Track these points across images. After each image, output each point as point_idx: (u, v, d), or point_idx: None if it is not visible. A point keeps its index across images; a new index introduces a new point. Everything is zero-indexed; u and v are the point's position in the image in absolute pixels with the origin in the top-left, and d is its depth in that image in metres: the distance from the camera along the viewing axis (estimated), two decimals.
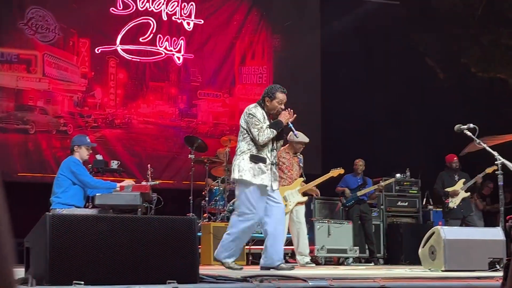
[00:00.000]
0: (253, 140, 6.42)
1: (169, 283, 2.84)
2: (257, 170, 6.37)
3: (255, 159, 6.40)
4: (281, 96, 6.60)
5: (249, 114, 6.48)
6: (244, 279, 3.12)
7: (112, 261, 2.83)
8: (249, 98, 14.54)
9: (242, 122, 6.57)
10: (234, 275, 3.17)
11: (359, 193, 11.03)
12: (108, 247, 2.84)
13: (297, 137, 6.97)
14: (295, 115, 6.63)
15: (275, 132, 6.44)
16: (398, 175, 11.55)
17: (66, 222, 2.74)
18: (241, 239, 6.68)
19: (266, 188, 6.42)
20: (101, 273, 2.80)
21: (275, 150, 6.61)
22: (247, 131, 6.46)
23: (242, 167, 6.37)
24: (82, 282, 2.72)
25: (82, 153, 7.87)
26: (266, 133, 6.37)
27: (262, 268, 6.45)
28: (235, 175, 6.44)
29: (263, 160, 6.43)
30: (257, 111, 6.51)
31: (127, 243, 2.87)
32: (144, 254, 2.88)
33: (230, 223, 6.75)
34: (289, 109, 6.62)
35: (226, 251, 6.61)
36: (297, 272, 5.71)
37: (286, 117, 6.54)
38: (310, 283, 3.06)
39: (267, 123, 6.50)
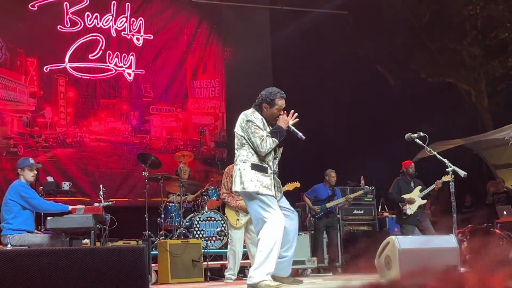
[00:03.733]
0: (253, 148, 5.94)
1: None
2: (260, 178, 5.88)
3: (256, 168, 5.92)
4: (280, 102, 6.06)
5: (248, 121, 5.96)
6: None
7: None
8: (203, 112, 14.51)
9: (238, 130, 6.04)
10: None
11: (328, 205, 11.06)
12: (54, 282, 2.76)
13: (303, 139, 6.14)
14: (296, 115, 6.17)
15: (277, 141, 5.94)
16: (367, 187, 11.70)
17: (6, 257, 2.65)
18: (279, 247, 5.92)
19: (272, 197, 5.93)
20: None
21: (277, 159, 6.12)
22: (245, 138, 5.96)
23: (244, 178, 5.90)
24: None
25: (26, 176, 7.70)
26: (268, 143, 5.88)
27: (276, 278, 5.93)
28: (237, 187, 5.96)
29: (264, 170, 5.94)
30: (256, 118, 5.99)
31: (74, 276, 2.79)
32: (92, 286, 2.80)
33: (261, 240, 5.89)
34: (292, 111, 6.16)
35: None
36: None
37: (285, 122, 6.04)
38: None
39: (267, 129, 6.03)
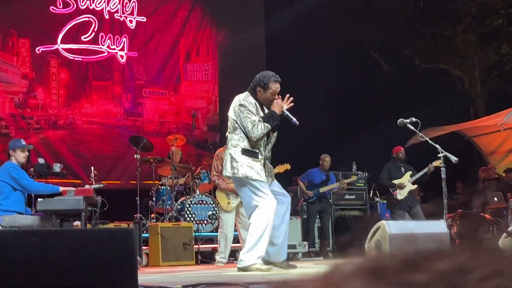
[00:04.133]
0: (244, 133, 5.86)
1: None
2: (250, 163, 5.83)
3: (246, 153, 5.86)
4: (275, 86, 5.98)
5: (240, 105, 5.89)
6: None
7: (47, 277, 2.74)
8: (195, 95, 14.47)
9: (231, 113, 5.98)
10: (175, 285, 3.11)
11: (321, 190, 11.08)
12: (42, 263, 2.74)
13: (297, 124, 6.07)
14: (291, 100, 6.14)
15: (269, 127, 5.86)
16: (360, 172, 11.72)
17: None
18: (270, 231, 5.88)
19: (263, 182, 5.89)
20: None
21: (270, 144, 6.07)
22: (237, 122, 5.90)
23: (235, 163, 5.84)
24: None
25: (17, 157, 7.67)
26: (260, 128, 5.80)
27: (269, 263, 5.90)
28: (227, 172, 5.91)
29: (255, 155, 5.88)
30: (249, 103, 5.91)
31: (62, 258, 2.78)
32: (80, 268, 2.79)
33: (252, 224, 5.87)
34: (287, 95, 6.13)
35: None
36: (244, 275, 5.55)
37: (279, 106, 5.95)
38: None
39: (261, 114, 5.95)
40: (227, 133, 6.12)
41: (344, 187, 11.42)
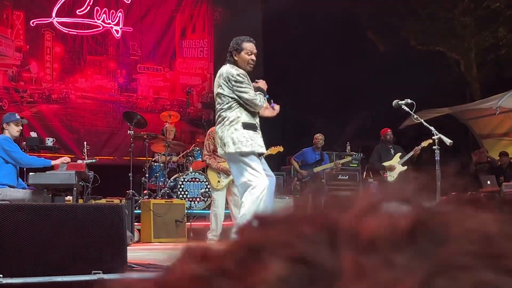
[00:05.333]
0: (242, 106, 5.74)
1: (94, 273, 2.74)
2: (253, 137, 5.74)
3: (248, 127, 5.74)
4: (249, 45, 5.87)
5: (235, 79, 5.75)
6: None
7: (34, 252, 2.71)
8: (190, 72, 14.39)
9: (224, 89, 5.80)
10: (165, 263, 3.09)
11: (315, 170, 11.06)
12: (29, 237, 2.72)
13: (274, 109, 6.05)
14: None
15: (265, 100, 5.83)
16: (354, 153, 11.70)
17: None
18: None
19: (261, 156, 5.88)
20: (22, 264, 2.68)
21: (258, 114, 5.96)
22: (233, 98, 5.76)
23: (237, 139, 5.70)
24: (1, 275, 2.60)
25: (11, 130, 7.64)
26: (261, 99, 5.75)
27: None
28: (230, 148, 5.73)
29: (254, 127, 5.79)
30: (241, 73, 5.78)
31: (49, 233, 2.75)
32: (67, 244, 2.77)
33: (245, 203, 5.80)
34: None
35: None
36: None
37: (264, 84, 5.96)
38: None
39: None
40: (218, 112, 5.94)
41: (339, 167, 11.41)
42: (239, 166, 5.83)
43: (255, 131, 5.83)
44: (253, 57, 5.91)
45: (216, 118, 6.02)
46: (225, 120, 5.85)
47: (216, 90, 5.90)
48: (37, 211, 2.72)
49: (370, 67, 15.03)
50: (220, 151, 5.97)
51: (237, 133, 5.75)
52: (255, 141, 5.77)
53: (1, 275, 2.60)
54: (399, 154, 10.79)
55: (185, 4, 14.55)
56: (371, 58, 15.37)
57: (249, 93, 5.75)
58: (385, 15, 15.78)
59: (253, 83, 5.97)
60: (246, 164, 5.79)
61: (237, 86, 5.79)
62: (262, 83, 5.98)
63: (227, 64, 5.94)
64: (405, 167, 10.82)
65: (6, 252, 2.67)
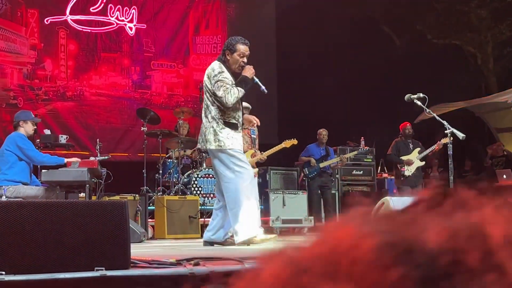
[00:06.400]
0: (220, 103, 5.78)
1: (97, 270, 2.73)
2: (235, 136, 5.81)
3: (228, 126, 5.81)
4: (242, 48, 5.93)
5: (214, 73, 5.80)
6: (178, 263, 3.03)
7: (36, 249, 2.71)
8: (204, 68, 14.17)
9: (207, 83, 5.86)
10: (169, 259, 3.08)
11: (321, 165, 11.02)
12: (32, 235, 2.72)
13: (265, 92, 6.03)
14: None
15: (243, 91, 5.80)
16: (366, 148, 11.65)
17: None
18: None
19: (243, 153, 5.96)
20: (24, 262, 2.68)
21: (241, 111, 6.02)
22: (214, 93, 5.81)
23: (219, 135, 5.77)
24: (3, 272, 2.60)
25: (27, 128, 7.70)
26: (233, 93, 5.71)
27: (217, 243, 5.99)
28: (211, 145, 5.79)
29: (235, 127, 5.86)
30: (221, 69, 5.83)
31: (52, 230, 2.75)
32: (70, 241, 2.77)
33: (233, 199, 5.82)
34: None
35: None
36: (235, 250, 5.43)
37: (251, 71, 5.89)
38: (246, 265, 2.98)
39: (232, 81, 5.86)
40: (205, 104, 5.98)
41: (344, 162, 11.36)
42: (225, 160, 5.83)
43: (236, 130, 5.87)
44: (245, 59, 5.96)
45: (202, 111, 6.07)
46: (208, 114, 5.90)
47: (205, 83, 5.96)
48: (41, 208, 2.73)
49: (386, 62, 14.95)
50: (207, 145, 5.92)
51: (218, 129, 5.81)
52: (236, 140, 5.85)
53: (3, 272, 2.60)
54: (418, 149, 10.73)
55: (198, 0, 14.55)
56: (386, 52, 15.29)
57: (220, 89, 5.75)
58: (400, 8, 15.67)
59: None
60: (233, 157, 5.82)
61: (214, 78, 5.81)
62: (248, 70, 5.92)
63: (216, 61, 6.02)
64: (423, 162, 10.77)
65: (8, 249, 2.67)
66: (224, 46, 6.08)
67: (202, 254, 4.18)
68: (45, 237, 2.70)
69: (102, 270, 2.69)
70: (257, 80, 6.00)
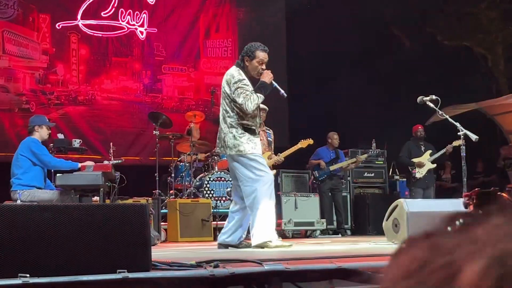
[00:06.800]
0: (240, 109, 5.81)
1: (119, 272, 2.76)
2: (253, 139, 5.85)
3: (247, 131, 5.84)
4: (261, 54, 5.97)
5: (234, 80, 5.83)
6: (198, 265, 3.06)
7: (59, 252, 2.75)
8: (215, 72, 14.43)
9: (226, 89, 5.90)
10: (189, 261, 3.11)
11: (332, 168, 11.03)
12: (54, 237, 2.75)
13: (285, 96, 6.17)
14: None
15: (262, 97, 5.83)
16: (377, 150, 11.67)
17: (8, 212, 2.65)
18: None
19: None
20: (47, 264, 2.71)
21: (259, 117, 6.07)
22: (233, 100, 5.85)
23: (238, 140, 5.81)
24: (28, 275, 2.64)
25: (42, 133, 7.75)
26: (253, 99, 5.73)
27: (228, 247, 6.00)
28: (231, 150, 5.84)
29: (253, 132, 5.89)
30: (241, 76, 5.87)
31: (74, 233, 2.79)
32: (92, 243, 2.80)
33: (253, 202, 5.82)
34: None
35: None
36: (253, 252, 5.45)
37: (269, 76, 5.92)
38: (265, 267, 3.00)
39: (251, 88, 5.89)
40: (223, 110, 6.00)
41: (359, 162, 11.36)
42: (246, 164, 5.86)
43: (254, 135, 5.90)
44: (263, 66, 6.00)
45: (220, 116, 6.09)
46: (228, 119, 5.93)
47: (224, 88, 5.97)
48: (63, 211, 2.76)
49: (396, 63, 14.93)
50: (227, 151, 5.97)
51: (237, 135, 5.84)
52: (256, 144, 5.88)
53: (28, 275, 2.63)
54: (430, 151, 10.73)
55: (209, 4, 14.60)
56: (396, 54, 15.28)
57: (240, 96, 5.77)
58: (410, 10, 15.65)
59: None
60: (254, 161, 5.86)
61: (235, 85, 5.84)
62: (266, 76, 5.95)
63: (234, 67, 6.05)
64: (434, 165, 10.77)
65: (32, 252, 2.71)
66: (243, 52, 6.09)
67: (221, 256, 4.21)
68: (68, 240, 2.73)
69: (124, 272, 2.72)
70: (275, 84, 6.01)
